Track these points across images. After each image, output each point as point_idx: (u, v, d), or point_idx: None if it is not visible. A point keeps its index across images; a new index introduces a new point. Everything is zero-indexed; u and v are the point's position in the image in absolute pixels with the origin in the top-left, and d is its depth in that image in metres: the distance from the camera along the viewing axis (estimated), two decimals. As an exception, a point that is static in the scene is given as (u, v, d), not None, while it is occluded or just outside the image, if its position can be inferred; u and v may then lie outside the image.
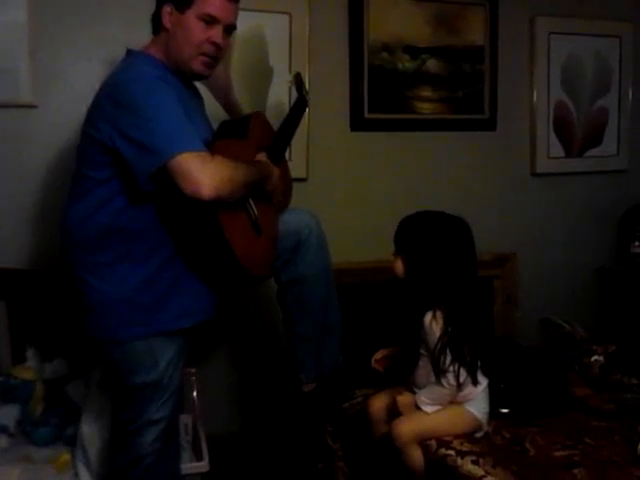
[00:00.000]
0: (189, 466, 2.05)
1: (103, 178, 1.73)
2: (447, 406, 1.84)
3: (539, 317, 2.61)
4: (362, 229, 2.88)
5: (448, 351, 1.79)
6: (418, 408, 1.84)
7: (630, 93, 3.38)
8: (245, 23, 2.51)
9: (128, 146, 1.64)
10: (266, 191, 1.96)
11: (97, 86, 1.78)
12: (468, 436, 1.84)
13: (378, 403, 1.99)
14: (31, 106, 2.42)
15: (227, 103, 2.51)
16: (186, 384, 2.20)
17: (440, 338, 1.79)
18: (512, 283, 3.16)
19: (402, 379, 1.97)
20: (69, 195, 1.82)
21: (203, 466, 2.06)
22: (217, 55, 1.83)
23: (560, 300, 3.20)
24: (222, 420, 2.69)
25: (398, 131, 2.97)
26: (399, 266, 1.90)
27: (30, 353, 2.28)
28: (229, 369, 2.78)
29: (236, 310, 2.69)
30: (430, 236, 1.86)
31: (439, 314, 1.81)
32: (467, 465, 1.72)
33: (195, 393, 2.34)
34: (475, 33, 3.05)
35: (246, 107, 2.58)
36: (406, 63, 2.94)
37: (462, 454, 1.76)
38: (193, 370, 2.34)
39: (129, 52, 1.86)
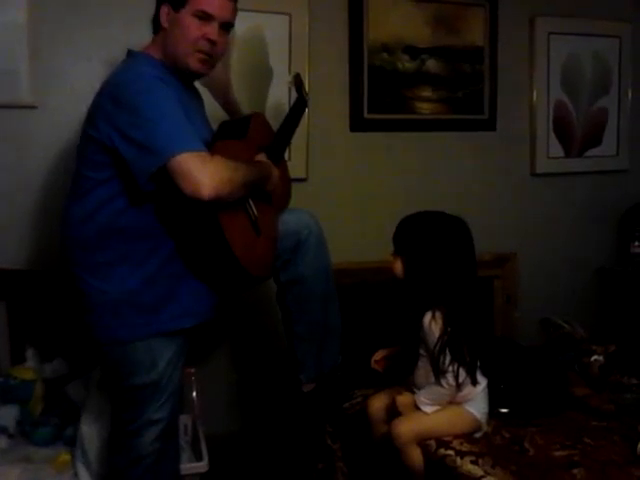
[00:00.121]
0: (189, 466, 2.05)
1: (103, 178, 1.73)
2: (446, 406, 1.84)
3: (539, 317, 2.61)
4: (362, 229, 2.88)
5: (447, 351, 1.78)
6: (417, 408, 1.84)
7: (630, 93, 3.38)
8: (245, 23, 2.52)
9: (128, 146, 1.65)
10: (266, 191, 1.97)
11: (97, 86, 1.78)
12: (467, 436, 1.84)
13: (378, 403, 1.98)
14: (31, 106, 2.42)
15: (227, 103, 2.51)
16: (186, 384, 2.20)
17: (439, 338, 1.79)
18: (512, 283, 3.16)
19: (402, 379, 1.97)
20: (69, 195, 1.82)
21: (202, 466, 2.06)
22: (213, 52, 1.83)
23: (560, 300, 3.20)
24: (222, 420, 2.70)
25: (398, 131, 2.98)
26: (398, 266, 1.90)
27: (30, 353, 2.28)
28: (229, 369, 2.78)
29: (236, 310, 2.69)
30: (429, 236, 1.86)
31: (438, 314, 1.81)
32: (466, 465, 1.72)
33: (195, 393, 2.34)
34: (475, 33, 3.05)
35: (246, 107, 2.58)
36: (406, 63, 2.94)
37: (461, 454, 1.76)
38: (193, 370, 2.34)
39: (129, 53, 1.87)
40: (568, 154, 3.29)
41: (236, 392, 2.79)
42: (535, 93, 3.20)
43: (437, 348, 1.79)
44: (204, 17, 1.78)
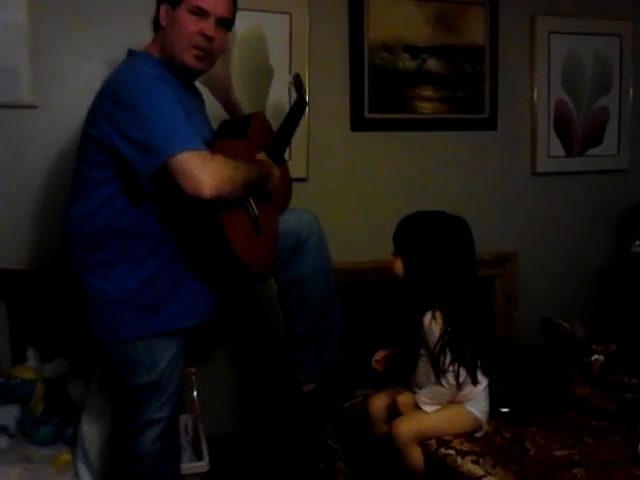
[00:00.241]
0: (189, 466, 2.05)
1: (103, 178, 1.73)
2: (447, 406, 1.84)
3: (539, 317, 2.61)
4: (362, 229, 2.88)
5: (448, 351, 1.79)
6: (418, 408, 1.84)
7: (631, 92, 3.38)
8: (245, 23, 2.52)
9: (128, 145, 1.64)
10: (267, 191, 1.97)
11: (97, 86, 1.78)
12: (468, 436, 1.84)
13: (378, 403, 1.99)
14: (31, 106, 2.42)
15: (227, 103, 2.51)
16: (187, 384, 2.20)
17: (440, 338, 1.79)
18: (512, 283, 3.16)
19: (402, 379, 1.97)
20: (69, 195, 1.82)
21: (203, 466, 2.06)
22: (210, 48, 1.83)
23: (560, 300, 3.20)
24: (222, 420, 2.69)
25: (398, 131, 2.97)
26: (398, 266, 1.90)
27: (30, 353, 2.28)
28: (229, 369, 2.78)
29: (236, 310, 2.69)
30: (429, 236, 1.86)
31: (439, 314, 1.81)
32: (467, 465, 1.73)
33: (195, 393, 2.34)
34: (475, 33, 3.05)
35: (246, 107, 2.58)
36: (406, 63, 2.94)
37: (462, 454, 1.76)
38: (193, 370, 2.34)
39: (130, 52, 1.87)
40: (569, 153, 3.28)
41: (236, 392, 2.79)
42: (536, 92, 3.19)
43: (437, 348, 1.80)
44: (200, 13, 1.79)
